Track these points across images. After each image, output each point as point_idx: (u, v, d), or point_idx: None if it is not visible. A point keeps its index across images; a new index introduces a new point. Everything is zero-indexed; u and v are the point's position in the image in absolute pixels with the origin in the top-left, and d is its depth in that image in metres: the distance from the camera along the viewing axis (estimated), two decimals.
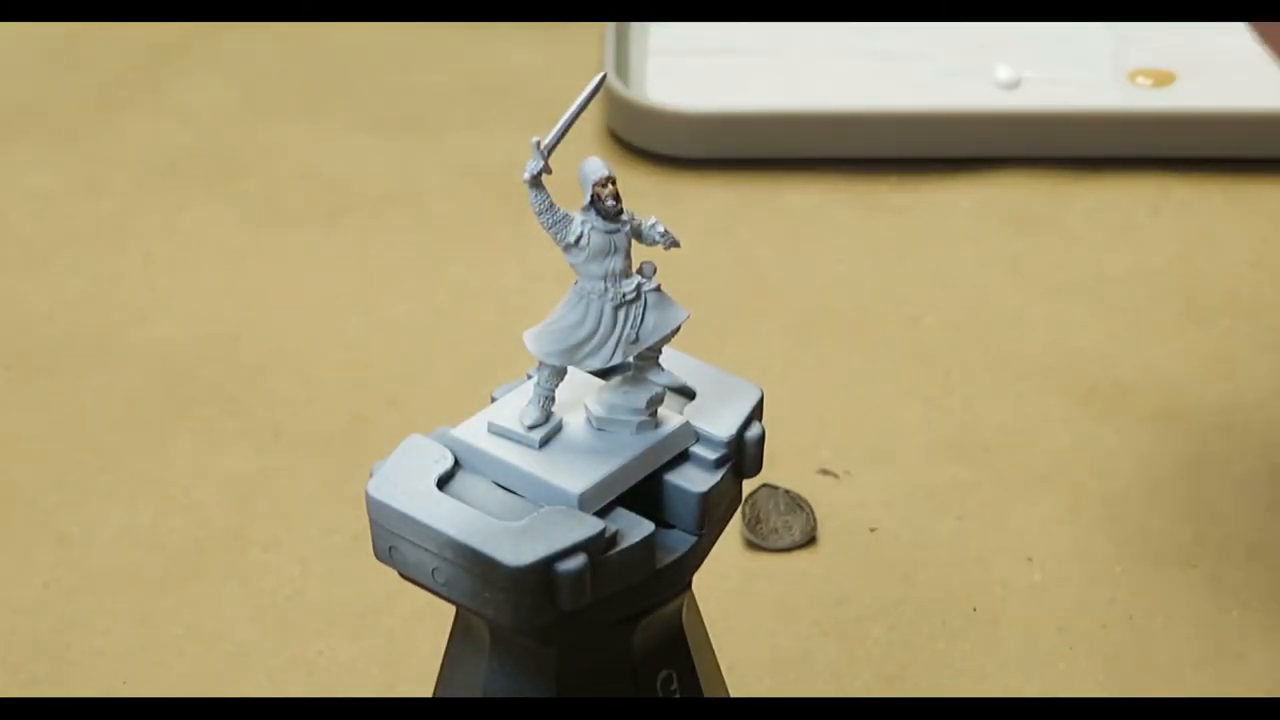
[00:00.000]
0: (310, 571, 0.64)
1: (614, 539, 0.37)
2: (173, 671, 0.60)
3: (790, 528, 0.65)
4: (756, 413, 0.41)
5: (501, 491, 0.39)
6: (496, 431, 0.40)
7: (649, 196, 0.83)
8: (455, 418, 0.73)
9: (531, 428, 0.39)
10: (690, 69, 0.91)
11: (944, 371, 0.73)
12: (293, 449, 0.70)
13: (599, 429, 0.40)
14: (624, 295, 0.39)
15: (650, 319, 0.40)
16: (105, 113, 0.90)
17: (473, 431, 0.40)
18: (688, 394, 0.42)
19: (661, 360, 0.41)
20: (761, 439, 0.41)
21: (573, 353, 0.39)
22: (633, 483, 0.39)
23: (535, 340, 0.39)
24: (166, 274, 0.80)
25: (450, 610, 0.44)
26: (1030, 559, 0.65)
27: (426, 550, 0.38)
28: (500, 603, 0.36)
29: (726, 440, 0.40)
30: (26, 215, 0.84)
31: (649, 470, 0.40)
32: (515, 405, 0.40)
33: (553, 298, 0.79)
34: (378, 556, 0.40)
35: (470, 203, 0.84)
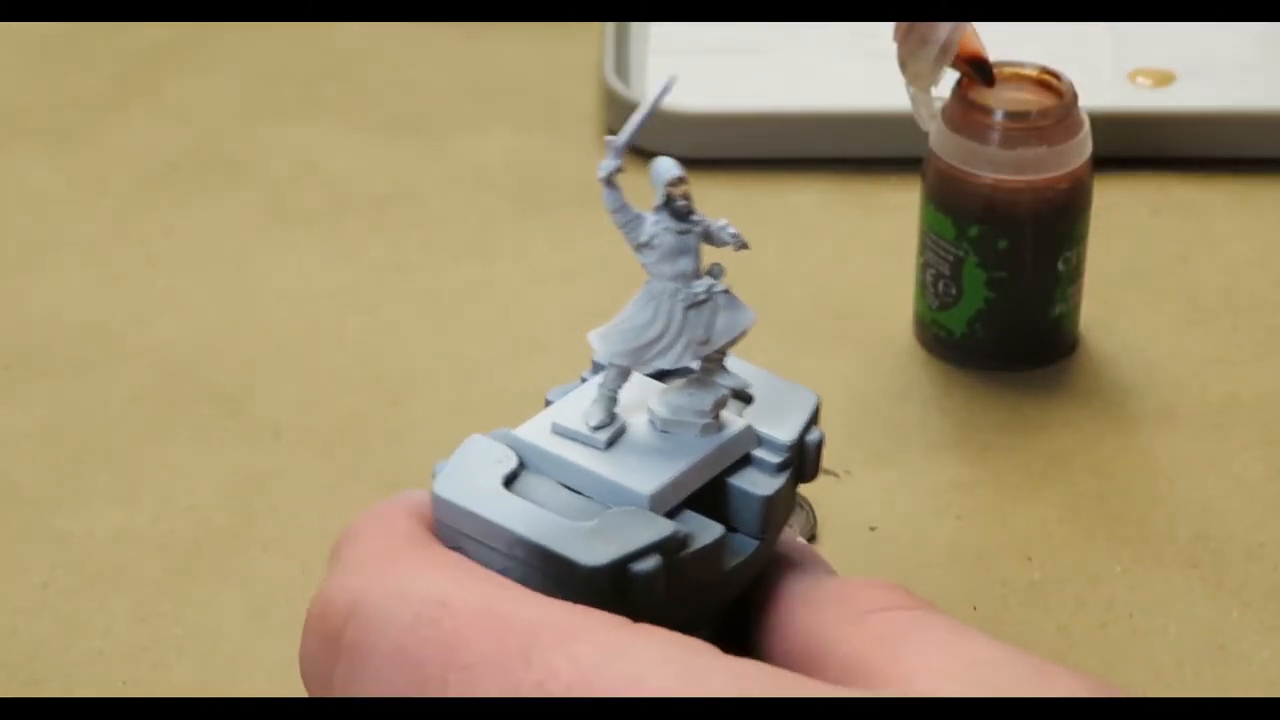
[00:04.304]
0: (310, 571, 0.64)
1: (686, 541, 0.37)
2: (173, 671, 0.60)
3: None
4: (815, 418, 0.41)
5: (568, 492, 0.38)
6: (561, 432, 0.39)
7: (649, 197, 0.83)
8: (456, 418, 0.73)
9: (597, 429, 0.39)
10: (690, 69, 0.91)
11: (944, 370, 0.73)
12: (293, 449, 0.70)
13: (663, 431, 0.39)
14: (695, 296, 0.39)
15: (720, 321, 0.39)
16: (105, 113, 0.90)
17: (536, 432, 0.39)
18: (744, 398, 0.41)
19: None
20: (821, 444, 0.41)
21: (641, 353, 0.39)
22: (699, 485, 0.39)
23: (603, 340, 0.39)
24: (166, 274, 0.80)
25: None
26: (1030, 559, 0.65)
27: (495, 550, 0.37)
28: (576, 601, 0.36)
29: (789, 444, 0.40)
30: (26, 215, 0.84)
31: (714, 473, 0.39)
32: (577, 407, 0.39)
33: (553, 298, 0.79)
34: None
35: (470, 203, 0.84)
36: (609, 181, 0.39)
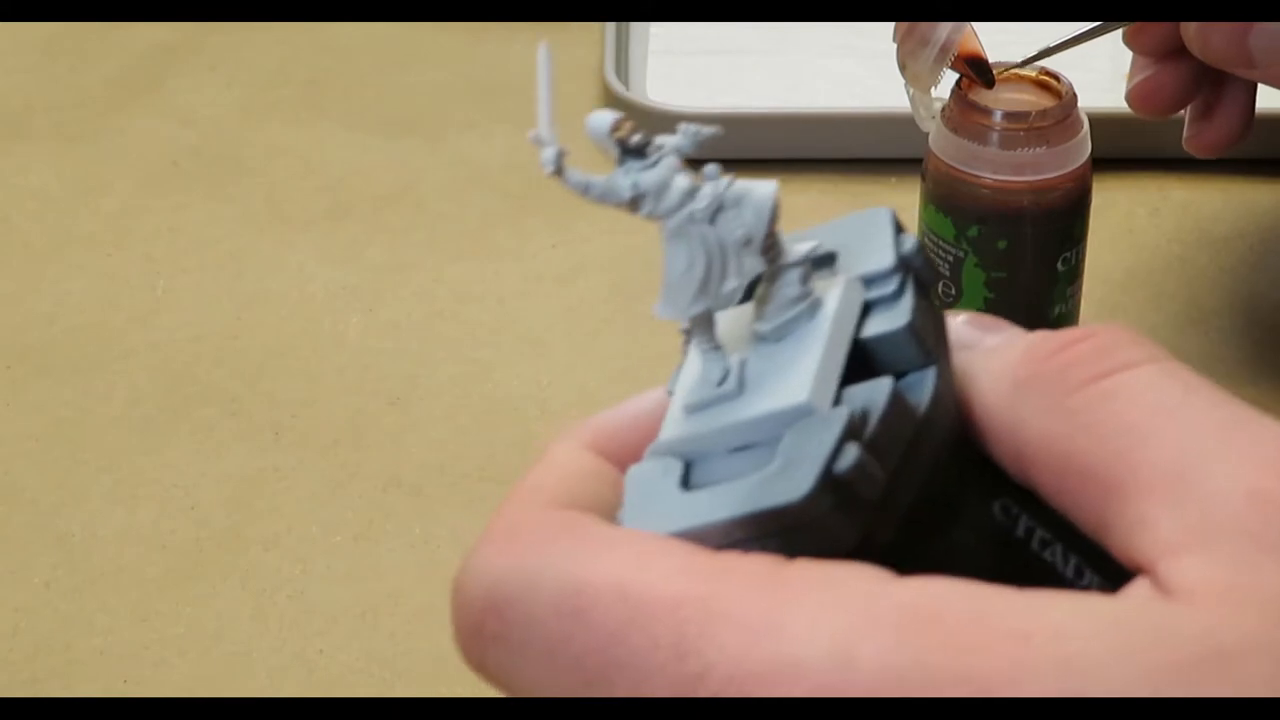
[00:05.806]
0: (310, 571, 0.64)
1: (865, 414, 0.36)
2: (173, 671, 0.61)
3: None
4: (898, 227, 0.40)
5: (741, 454, 0.37)
6: (694, 409, 0.38)
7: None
8: (456, 418, 0.73)
9: (721, 382, 0.38)
10: (690, 69, 0.91)
11: None
12: (293, 449, 0.70)
13: (778, 341, 0.38)
14: (709, 208, 0.38)
15: (747, 211, 0.38)
16: (106, 113, 0.90)
17: (675, 425, 0.38)
18: (824, 261, 0.40)
19: (784, 241, 0.40)
20: (919, 246, 0.39)
21: (704, 291, 0.38)
22: (842, 362, 0.37)
23: (666, 305, 0.38)
24: (167, 274, 0.80)
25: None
26: None
27: (722, 548, 0.36)
28: (816, 537, 0.35)
29: (891, 266, 0.38)
30: (27, 215, 0.84)
31: (848, 339, 0.38)
32: (694, 378, 0.39)
33: (553, 298, 0.79)
34: None
35: (470, 203, 0.84)
36: (558, 169, 0.37)
